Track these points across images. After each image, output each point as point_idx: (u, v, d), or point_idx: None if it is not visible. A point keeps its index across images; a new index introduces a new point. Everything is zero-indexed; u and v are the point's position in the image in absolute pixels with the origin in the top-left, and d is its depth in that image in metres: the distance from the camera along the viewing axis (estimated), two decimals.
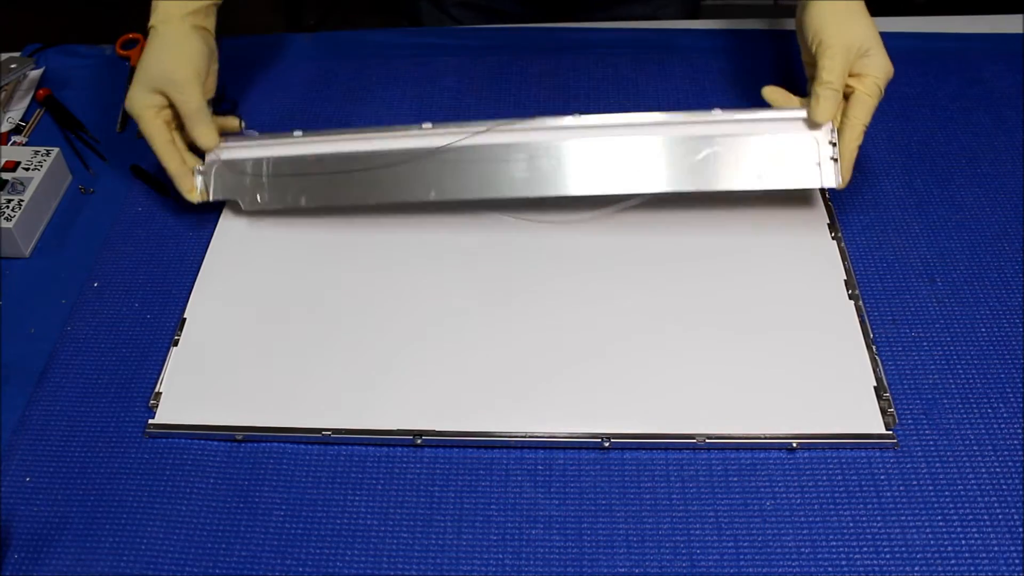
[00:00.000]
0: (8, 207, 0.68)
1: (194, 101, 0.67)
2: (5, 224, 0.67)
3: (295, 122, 0.79)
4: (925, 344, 0.61)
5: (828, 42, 0.65)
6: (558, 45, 0.86)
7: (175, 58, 0.68)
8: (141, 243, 0.70)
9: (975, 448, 0.56)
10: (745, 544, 0.52)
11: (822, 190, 0.70)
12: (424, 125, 0.66)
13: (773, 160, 0.63)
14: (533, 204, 0.68)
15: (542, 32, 0.87)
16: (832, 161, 0.63)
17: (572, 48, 0.85)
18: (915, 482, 0.54)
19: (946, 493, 0.54)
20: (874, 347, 0.60)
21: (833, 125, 0.63)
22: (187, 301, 0.64)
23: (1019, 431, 0.56)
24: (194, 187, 0.69)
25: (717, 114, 0.64)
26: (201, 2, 0.70)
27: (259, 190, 0.68)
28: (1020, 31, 0.85)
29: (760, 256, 0.66)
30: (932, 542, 0.51)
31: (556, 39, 0.87)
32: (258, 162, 0.68)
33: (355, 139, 0.67)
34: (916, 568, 0.50)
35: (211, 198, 0.69)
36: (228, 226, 0.70)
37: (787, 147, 0.63)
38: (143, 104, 0.67)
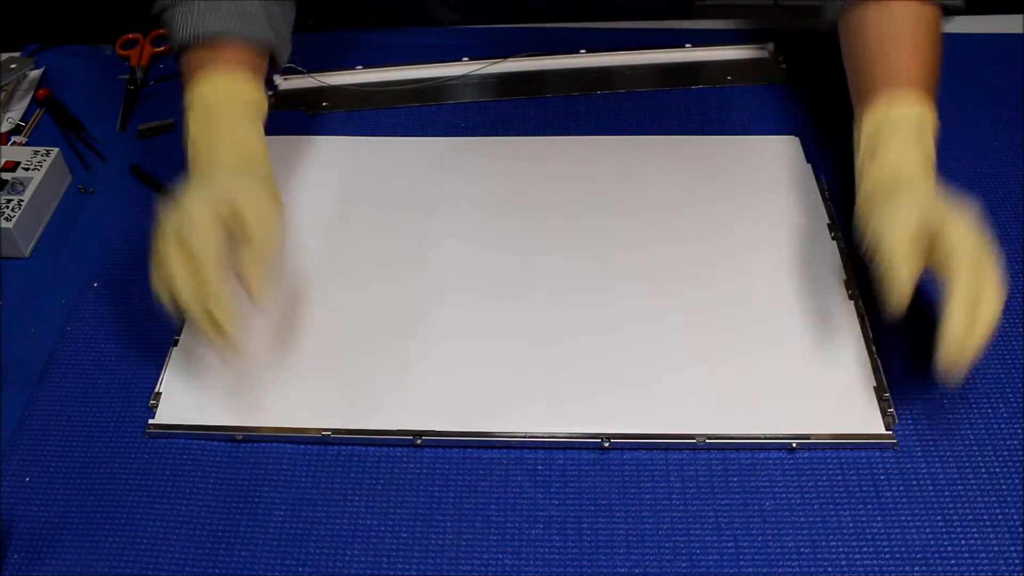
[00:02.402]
0: (8, 207, 0.68)
1: (269, 229, 0.54)
2: (5, 224, 0.67)
3: (295, 122, 0.79)
4: (925, 344, 0.61)
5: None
6: (557, 45, 0.86)
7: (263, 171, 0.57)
8: (141, 243, 0.70)
9: (975, 448, 0.55)
10: (745, 544, 0.52)
11: (822, 190, 0.70)
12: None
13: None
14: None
15: (542, 32, 0.87)
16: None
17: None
18: (915, 482, 0.54)
19: (946, 493, 0.54)
20: (874, 347, 0.60)
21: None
22: None
23: (1019, 431, 0.56)
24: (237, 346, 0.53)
25: None
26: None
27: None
28: (1020, 31, 0.85)
29: (760, 256, 0.65)
30: (932, 542, 0.51)
31: (555, 39, 0.87)
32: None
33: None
34: (916, 568, 0.50)
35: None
36: None
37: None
38: (207, 221, 0.53)
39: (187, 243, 0.52)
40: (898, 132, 0.60)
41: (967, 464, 0.55)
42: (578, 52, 0.84)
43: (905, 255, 0.52)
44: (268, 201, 0.55)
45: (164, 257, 0.52)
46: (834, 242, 0.66)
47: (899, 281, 0.51)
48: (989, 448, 0.55)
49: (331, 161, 0.75)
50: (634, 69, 0.83)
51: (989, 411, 0.57)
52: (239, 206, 0.53)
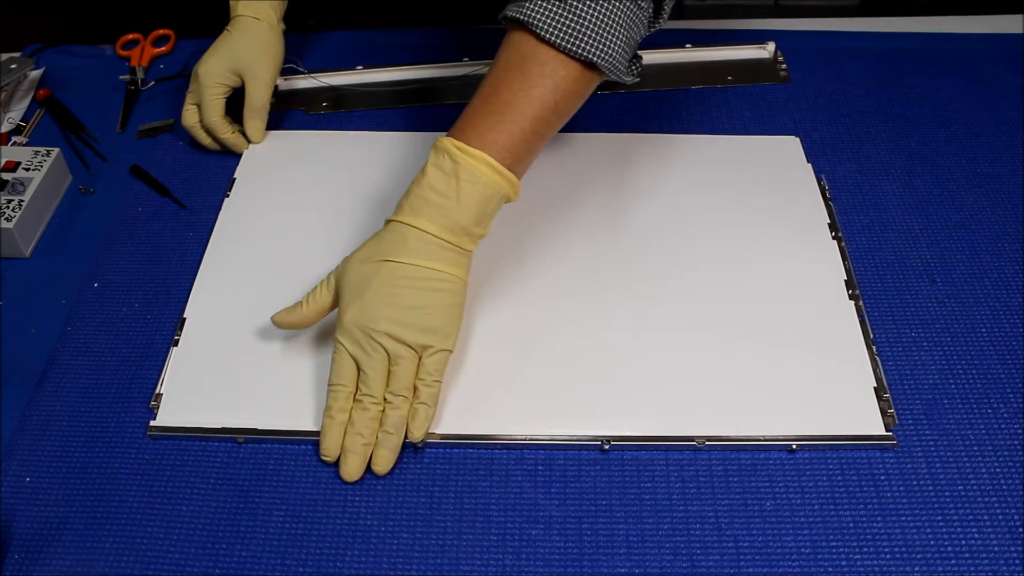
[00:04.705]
0: (8, 207, 0.68)
1: (265, 97, 0.74)
2: (5, 224, 0.67)
3: (295, 122, 0.79)
4: (925, 344, 0.61)
5: None
6: None
7: (263, 52, 0.74)
8: (141, 243, 0.70)
9: (975, 448, 0.56)
10: (745, 544, 0.52)
11: (822, 190, 0.70)
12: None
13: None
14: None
15: None
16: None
17: None
18: (915, 482, 0.54)
19: (946, 493, 0.54)
20: (874, 347, 0.60)
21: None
22: (187, 301, 0.64)
23: (1019, 431, 0.56)
24: (245, 142, 0.76)
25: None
26: (283, 9, 0.76)
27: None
28: (1020, 31, 0.85)
29: (760, 256, 0.65)
30: (932, 542, 0.51)
31: None
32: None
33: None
34: (916, 568, 0.50)
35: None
36: (228, 222, 0.70)
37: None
38: (217, 77, 0.73)
39: (201, 97, 0.74)
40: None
41: (967, 464, 0.55)
42: None
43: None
44: (270, 76, 0.74)
45: (185, 105, 0.75)
46: (834, 242, 0.66)
47: None
48: (989, 448, 0.55)
49: (329, 156, 0.75)
50: None
51: (989, 411, 0.57)
52: (245, 76, 0.74)
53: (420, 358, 0.55)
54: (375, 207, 0.70)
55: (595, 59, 0.54)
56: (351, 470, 0.54)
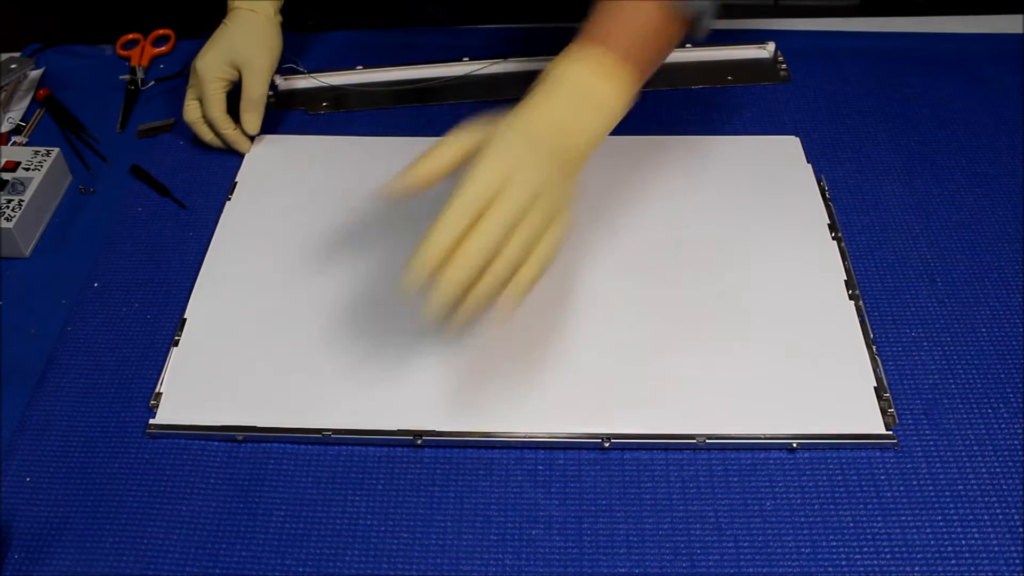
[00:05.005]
0: (8, 207, 0.68)
1: (262, 89, 0.74)
2: (5, 224, 0.67)
3: (295, 122, 0.79)
4: (925, 344, 0.61)
5: None
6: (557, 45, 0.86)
7: (261, 44, 0.74)
8: (141, 243, 0.70)
9: (975, 448, 0.56)
10: (745, 544, 0.52)
11: (822, 190, 0.70)
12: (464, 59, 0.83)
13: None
14: None
15: (542, 32, 0.87)
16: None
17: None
18: (915, 482, 0.54)
19: (946, 493, 0.54)
20: (874, 347, 0.60)
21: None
22: (187, 301, 0.64)
23: (1019, 431, 0.56)
24: (248, 140, 0.76)
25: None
26: (281, 1, 0.76)
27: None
28: (1020, 31, 0.85)
29: (760, 256, 0.65)
30: (932, 542, 0.51)
31: (555, 39, 0.86)
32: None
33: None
34: (916, 568, 0.50)
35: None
36: (229, 225, 0.70)
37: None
38: (215, 71, 0.73)
39: (202, 91, 0.74)
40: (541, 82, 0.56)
41: (967, 464, 0.55)
42: None
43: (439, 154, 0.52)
44: (266, 67, 0.74)
45: (186, 100, 0.76)
46: (834, 242, 0.66)
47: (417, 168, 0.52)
48: (989, 448, 0.55)
49: (330, 160, 0.75)
50: None
51: (989, 411, 0.57)
52: (243, 69, 0.73)
53: None
54: (377, 212, 0.70)
55: None
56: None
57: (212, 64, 0.73)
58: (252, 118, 0.75)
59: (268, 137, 0.77)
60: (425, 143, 0.51)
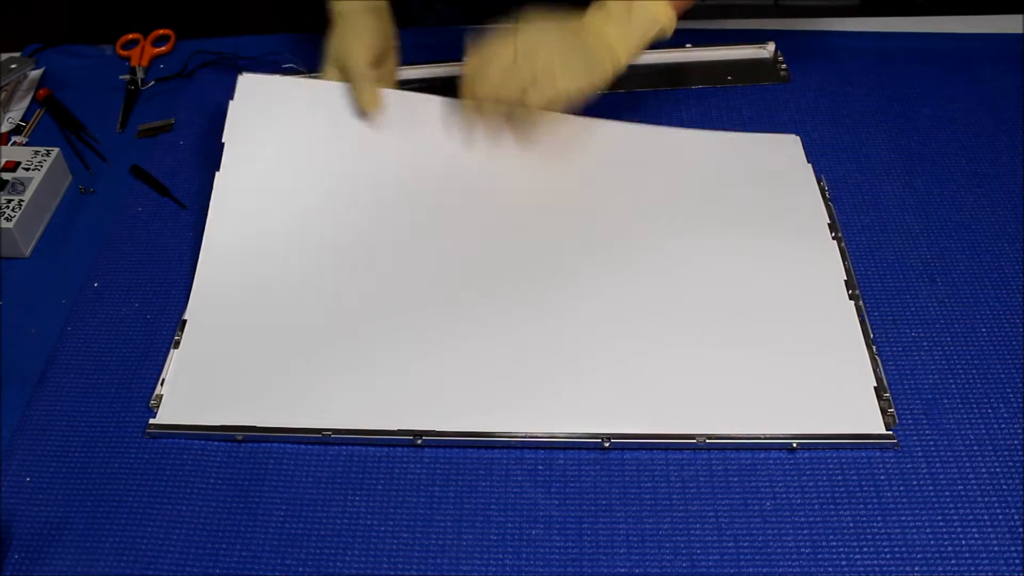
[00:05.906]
0: (8, 207, 0.68)
1: (361, 66, 0.70)
2: (5, 224, 0.67)
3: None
4: (925, 344, 0.61)
5: None
6: None
7: (354, 38, 0.71)
8: (141, 243, 0.70)
9: (975, 448, 0.55)
10: (745, 544, 0.52)
11: (822, 190, 0.70)
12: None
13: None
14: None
15: None
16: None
17: None
18: (915, 482, 0.54)
19: (946, 493, 0.54)
20: (874, 347, 0.60)
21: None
22: (187, 301, 0.64)
23: (1019, 431, 0.56)
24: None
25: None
26: None
27: None
28: (1020, 31, 0.85)
29: (760, 256, 0.65)
30: (932, 542, 0.51)
31: None
32: None
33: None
34: (916, 568, 0.50)
35: None
36: (224, 225, 0.69)
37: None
38: (333, 76, 0.73)
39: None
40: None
41: (967, 464, 0.55)
42: None
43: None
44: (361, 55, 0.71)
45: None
46: (834, 242, 0.66)
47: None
48: (989, 448, 0.55)
49: (329, 118, 0.72)
50: (634, 69, 0.83)
51: (989, 411, 0.57)
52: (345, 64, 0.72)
53: None
54: (376, 204, 0.69)
55: None
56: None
57: (328, 75, 0.72)
58: (365, 96, 0.71)
59: (252, 76, 0.73)
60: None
